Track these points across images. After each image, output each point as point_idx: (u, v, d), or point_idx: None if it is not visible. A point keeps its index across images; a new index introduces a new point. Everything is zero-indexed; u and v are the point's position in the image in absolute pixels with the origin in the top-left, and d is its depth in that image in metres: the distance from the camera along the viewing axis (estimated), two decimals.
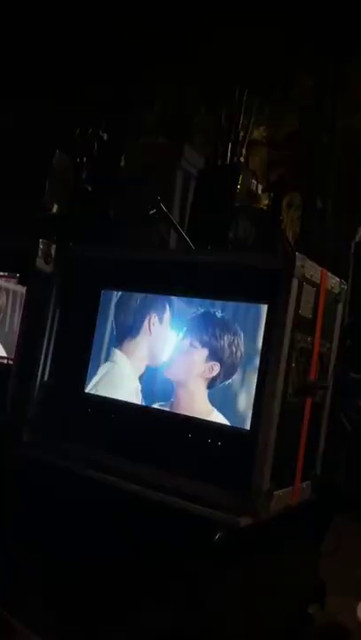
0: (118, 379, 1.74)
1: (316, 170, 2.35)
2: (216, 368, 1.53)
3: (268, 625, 1.55)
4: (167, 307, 1.67)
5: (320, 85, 2.48)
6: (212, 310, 1.57)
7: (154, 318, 1.69)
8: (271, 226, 2.16)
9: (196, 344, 1.57)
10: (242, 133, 2.21)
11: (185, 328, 1.61)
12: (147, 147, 2.34)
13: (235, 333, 1.50)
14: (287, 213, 2.23)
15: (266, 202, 2.22)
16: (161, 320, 1.68)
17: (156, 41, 2.63)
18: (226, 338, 1.52)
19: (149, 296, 1.71)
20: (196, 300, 1.59)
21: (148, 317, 1.70)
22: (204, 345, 1.57)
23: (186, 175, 2.23)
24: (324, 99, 2.46)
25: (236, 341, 1.50)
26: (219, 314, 1.55)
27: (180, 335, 1.62)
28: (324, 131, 2.40)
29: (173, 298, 1.65)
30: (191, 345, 1.58)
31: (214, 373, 1.53)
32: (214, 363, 1.53)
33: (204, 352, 1.56)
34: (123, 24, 2.65)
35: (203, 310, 1.58)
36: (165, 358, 1.64)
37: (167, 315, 1.67)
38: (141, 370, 1.70)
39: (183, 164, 2.21)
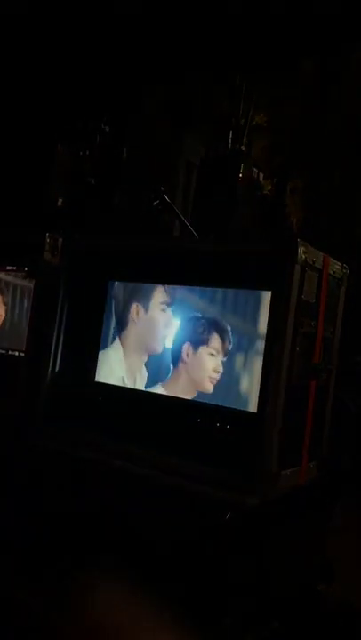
0: (118, 366, 1.79)
1: (319, 155, 2.37)
2: (218, 352, 1.57)
3: (279, 601, 1.60)
4: (153, 295, 1.71)
5: (322, 69, 2.49)
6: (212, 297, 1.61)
7: (138, 307, 1.73)
8: (275, 211, 2.19)
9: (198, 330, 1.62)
10: (243, 120, 2.23)
11: (186, 316, 1.65)
12: (148, 135, 2.36)
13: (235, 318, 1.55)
14: (291, 199, 2.25)
15: (269, 187, 2.25)
16: (146, 309, 1.72)
17: (156, 31, 2.64)
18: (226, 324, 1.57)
19: (137, 285, 1.75)
20: (197, 289, 1.63)
21: (133, 307, 1.75)
22: (205, 332, 1.61)
23: (188, 162, 2.26)
24: (326, 82, 2.47)
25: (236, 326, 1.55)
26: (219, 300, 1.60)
27: (182, 322, 1.66)
28: (326, 115, 2.41)
29: (171, 286, 1.68)
30: (194, 332, 1.63)
31: (218, 356, 1.58)
32: (215, 347, 1.57)
33: (207, 339, 1.61)
34: (122, 17, 2.66)
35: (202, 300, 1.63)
36: (166, 345, 1.68)
37: (154, 302, 1.70)
38: (144, 357, 1.74)
39: (185, 151, 2.24)
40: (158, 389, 1.70)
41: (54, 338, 1.92)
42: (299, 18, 2.43)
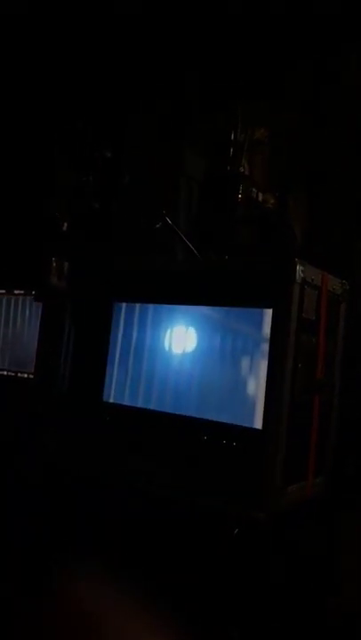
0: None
1: (319, 166, 2.40)
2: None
3: (287, 614, 1.61)
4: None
5: (317, 79, 2.52)
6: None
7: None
8: (278, 225, 2.22)
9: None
10: (242, 136, 2.26)
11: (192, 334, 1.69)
12: (149, 155, 2.41)
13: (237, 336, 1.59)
14: (294, 213, 2.28)
15: (272, 201, 2.27)
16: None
17: (153, 49, 2.69)
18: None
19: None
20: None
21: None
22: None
23: (189, 180, 2.30)
24: (322, 92, 2.50)
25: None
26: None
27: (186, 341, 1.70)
28: (323, 126, 2.44)
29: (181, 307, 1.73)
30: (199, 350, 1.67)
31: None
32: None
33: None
34: (120, 34, 2.71)
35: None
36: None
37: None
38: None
39: (186, 169, 2.29)
40: None
41: (62, 359, 1.96)
42: (297, 20, 2.47)
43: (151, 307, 1.79)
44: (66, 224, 2.29)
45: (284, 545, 1.59)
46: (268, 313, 1.50)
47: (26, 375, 2.11)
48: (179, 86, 2.69)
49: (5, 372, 2.17)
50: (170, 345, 1.74)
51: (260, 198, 2.17)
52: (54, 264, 1.97)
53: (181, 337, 1.71)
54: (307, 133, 2.49)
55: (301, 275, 1.46)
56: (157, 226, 1.92)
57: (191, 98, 2.68)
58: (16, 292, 2.17)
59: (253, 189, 2.15)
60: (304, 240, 2.34)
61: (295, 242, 2.30)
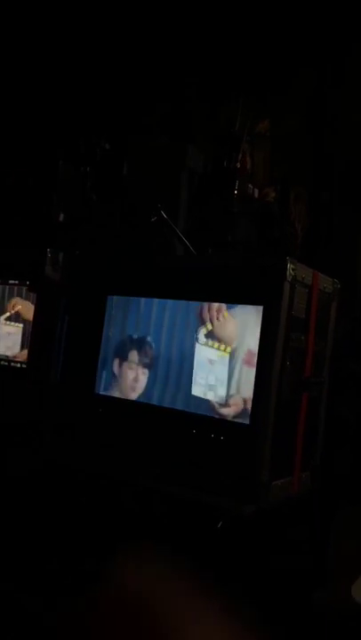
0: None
1: (320, 163, 2.41)
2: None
3: (273, 609, 1.64)
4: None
5: (321, 78, 2.53)
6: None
7: None
8: (279, 220, 2.23)
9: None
10: (241, 130, 2.27)
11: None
12: (150, 149, 2.42)
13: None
14: (295, 207, 2.30)
15: (273, 195, 2.28)
16: None
17: (155, 45, 2.70)
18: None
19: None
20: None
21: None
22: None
23: (191, 175, 2.31)
24: (326, 91, 2.51)
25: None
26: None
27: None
28: (326, 124, 2.45)
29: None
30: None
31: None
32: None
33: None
34: (122, 32, 2.73)
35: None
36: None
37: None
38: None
39: (188, 164, 2.29)
40: None
41: (55, 350, 1.98)
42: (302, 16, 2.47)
43: (143, 300, 1.80)
44: (62, 215, 2.31)
45: (271, 539, 1.62)
46: None
47: (19, 365, 2.12)
48: (181, 79, 2.70)
49: (19, 365, 2.17)
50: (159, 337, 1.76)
51: (256, 194, 2.18)
52: (50, 255, 1.98)
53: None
54: (309, 128, 2.50)
55: (292, 273, 1.48)
56: (153, 219, 1.93)
57: (193, 91, 2.68)
58: (10, 282, 2.18)
59: (250, 185, 2.16)
60: (304, 235, 2.35)
61: (296, 237, 2.31)
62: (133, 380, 1.80)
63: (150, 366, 1.76)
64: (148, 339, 1.78)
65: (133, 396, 1.79)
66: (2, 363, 2.13)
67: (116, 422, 1.83)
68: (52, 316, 1.97)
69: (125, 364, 1.83)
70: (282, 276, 1.45)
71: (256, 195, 2.17)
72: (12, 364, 2.12)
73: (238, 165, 2.12)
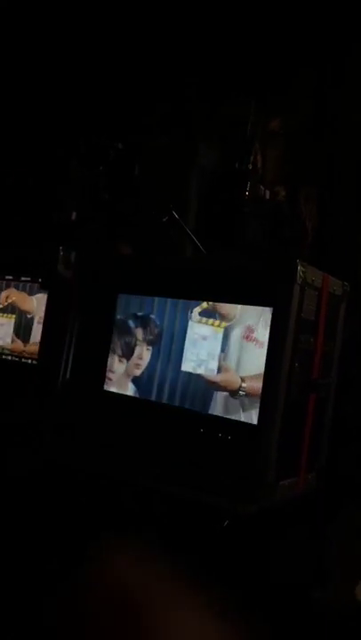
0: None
1: (329, 163, 2.41)
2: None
3: (273, 608, 1.65)
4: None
5: (322, 77, 2.52)
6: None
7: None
8: (289, 219, 2.24)
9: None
10: (252, 133, 2.28)
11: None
12: (161, 147, 2.44)
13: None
14: (305, 206, 2.30)
15: (283, 194, 2.29)
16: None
17: (167, 42, 2.70)
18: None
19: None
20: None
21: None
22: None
23: (202, 174, 2.32)
24: (327, 91, 2.50)
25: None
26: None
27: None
28: (327, 124, 2.44)
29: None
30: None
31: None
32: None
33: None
34: (129, 32, 2.73)
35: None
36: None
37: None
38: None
39: (199, 162, 2.31)
40: None
41: (65, 347, 2.00)
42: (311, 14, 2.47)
43: (156, 299, 1.82)
44: (75, 213, 2.33)
45: (272, 539, 1.64)
46: None
47: (30, 361, 2.15)
48: (184, 79, 2.70)
49: (10, 357, 2.21)
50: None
51: (268, 196, 2.19)
52: (62, 253, 2.00)
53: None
54: (320, 127, 2.49)
55: (302, 276, 1.49)
56: (164, 219, 1.95)
57: (204, 90, 2.69)
58: (23, 278, 2.21)
59: (261, 187, 2.17)
60: (314, 235, 2.36)
61: (306, 236, 2.32)
62: (138, 357, 1.84)
63: (154, 342, 1.80)
64: (152, 316, 1.82)
65: (137, 372, 1.84)
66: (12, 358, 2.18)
67: (123, 420, 1.85)
68: (63, 314, 2.00)
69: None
70: (292, 279, 1.46)
71: (267, 196, 2.18)
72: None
73: (250, 167, 2.13)
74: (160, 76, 2.68)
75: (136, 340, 1.86)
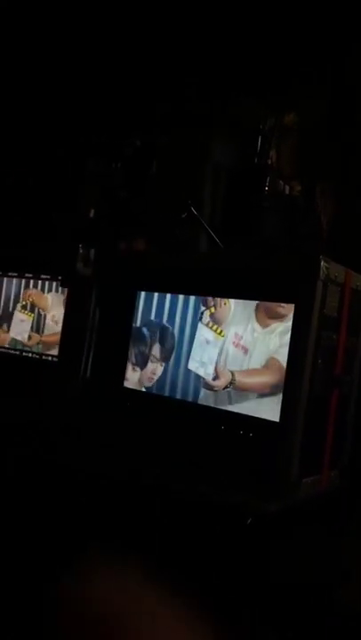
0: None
1: (344, 157, 2.38)
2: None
3: (294, 609, 1.64)
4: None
5: (338, 71, 2.48)
6: None
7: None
8: (305, 214, 2.22)
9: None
10: (269, 128, 2.26)
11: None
12: (177, 143, 2.42)
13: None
14: (321, 201, 2.27)
15: (298, 189, 2.27)
16: None
17: (182, 37, 2.68)
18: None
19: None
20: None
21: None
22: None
23: (217, 170, 2.31)
24: (343, 84, 2.46)
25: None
26: None
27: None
28: (344, 119, 2.41)
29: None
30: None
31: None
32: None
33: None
34: (149, 21, 2.70)
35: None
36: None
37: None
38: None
39: (215, 158, 2.29)
40: None
41: (86, 345, 2.00)
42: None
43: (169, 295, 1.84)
44: (93, 211, 2.33)
45: (297, 537, 1.62)
46: None
47: (50, 358, 2.16)
48: (207, 73, 2.68)
49: (30, 354, 2.23)
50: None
51: (287, 190, 2.17)
52: (81, 251, 2.01)
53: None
54: (336, 120, 2.46)
55: (325, 272, 1.47)
56: (183, 216, 1.94)
57: (219, 85, 2.66)
58: (43, 276, 2.22)
59: (281, 182, 2.15)
60: (330, 230, 2.33)
61: (322, 232, 2.29)
62: (152, 372, 1.88)
63: (168, 359, 1.84)
64: (170, 329, 1.85)
65: (150, 384, 1.89)
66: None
67: (142, 417, 1.85)
68: (82, 311, 2.00)
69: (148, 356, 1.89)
70: (315, 275, 1.45)
71: (287, 191, 2.16)
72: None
73: (270, 162, 2.11)
74: (174, 72, 2.66)
75: (151, 353, 1.89)
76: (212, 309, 1.75)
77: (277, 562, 1.60)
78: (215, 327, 1.74)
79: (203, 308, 1.77)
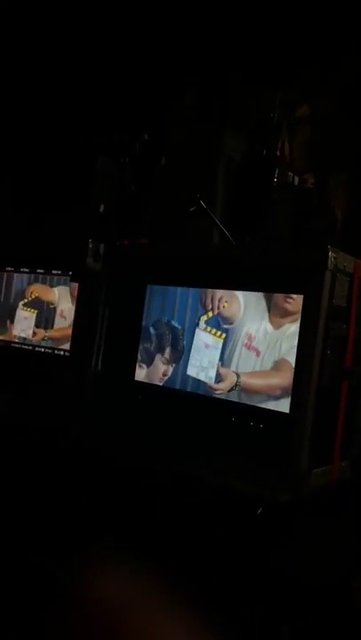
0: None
1: (358, 149, 2.36)
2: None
3: (313, 595, 1.65)
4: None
5: (352, 62, 2.47)
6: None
7: None
8: (318, 206, 2.21)
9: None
10: (279, 120, 2.25)
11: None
12: (188, 135, 2.42)
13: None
14: (335, 192, 2.26)
15: (311, 181, 2.26)
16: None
17: (192, 33, 2.68)
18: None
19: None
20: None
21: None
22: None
23: (228, 161, 2.31)
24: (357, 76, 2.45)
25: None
26: None
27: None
28: (358, 110, 2.39)
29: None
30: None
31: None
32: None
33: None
34: (159, 15, 2.70)
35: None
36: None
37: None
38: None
39: (225, 150, 2.29)
40: None
41: (97, 339, 2.02)
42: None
43: (179, 289, 1.84)
44: (103, 206, 2.34)
45: (310, 527, 1.63)
46: None
47: (62, 352, 2.18)
48: (218, 66, 2.67)
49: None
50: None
51: (297, 182, 2.16)
52: (90, 245, 2.02)
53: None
54: (349, 112, 2.44)
55: (334, 262, 1.47)
56: (192, 209, 1.94)
57: (231, 78, 2.66)
58: (54, 272, 2.24)
59: (290, 173, 2.14)
60: (344, 222, 2.32)
61: (335, 223, 2.28)
62: (163, 374, 1.89)
63: (180, 360, 1.83)
64: (182, 333, 1.84)
65: (160, 383, 1.90)
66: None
67: (154, 409, 1.86)
68: (93, 305, 2.02)
69: (158, 357, 1.90)
70: (323, 265, 1.45)
71: (296, 182, 2.15)
72: (56, 351, 2.20)
73: (278, 153, 2.11)
74: (180, 65, 2.66)
75: (164, 356, 1.89)
76: (210, 314, 1.76)
77: (290, 552, 1.61)
78: (213, 331, 1.74)
79: (201, 312, 1.77)
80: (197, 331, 1.78)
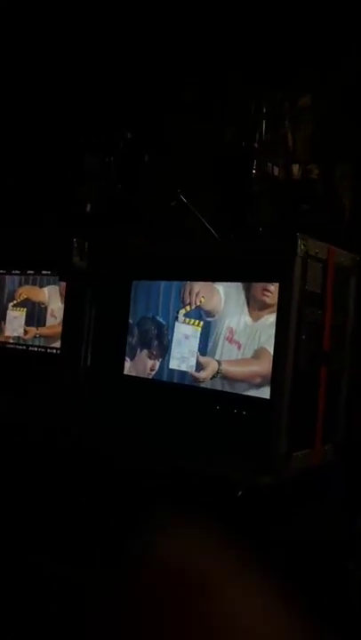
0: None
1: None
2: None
3: (308, 579, 1.67)
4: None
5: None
6: None
7: None
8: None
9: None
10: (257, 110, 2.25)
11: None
12: (184, 131, 2.44)
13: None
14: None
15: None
16: None
17: (182, 35, 2.69)
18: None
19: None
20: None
21: None
22: None
23: (207, 157, 2.33)
24: None
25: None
26: None
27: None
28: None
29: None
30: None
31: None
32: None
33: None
34: (147, 15, 2.71)
35: None
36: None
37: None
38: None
39: (208, 144, 2.31)
40: None
41: (85, 335, 2.06)
42: None
43: (163, 283, 1.87)
44: (89, 205, 2.38)
45: (304, 510, 1.65)
46: None
47: (55, 351, 2.23)
48: (211, 60, 2.66)
49: (36, 348, 2.30)
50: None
51: (276, 172, 2.18)
52: (76, 244, 2.06)
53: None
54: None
55: (304, 248, 1.50)
56: (172, 204, 1.97)
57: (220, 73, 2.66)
58: (43, 272, 2.29)
59: (269, 163, 2.16)
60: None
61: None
62: (150, 369, 1.93)
63: (165, 354, 1.87)
64: (166, 328, 1.88)
65: (147, 377, 1.94)
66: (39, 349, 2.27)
67: (143, 402, 1.90)
68: (80, 303, 2.06)
69: (145, 352, 1.94)
70: (293, 252, 1.48)
71: (276, 173, 2.17)
72: (49, 350, 2.25)
73: (256, 145, 2.13)
74: (173, 59, 2.67)
75: (149, 350, 1.93)
76: (188, 308, 1.80)
77: (284, 535, 1.64)
78: (192, 321, 1.79)
79: (180, 306, 1.82)
80: (177, 324, 1.82)
